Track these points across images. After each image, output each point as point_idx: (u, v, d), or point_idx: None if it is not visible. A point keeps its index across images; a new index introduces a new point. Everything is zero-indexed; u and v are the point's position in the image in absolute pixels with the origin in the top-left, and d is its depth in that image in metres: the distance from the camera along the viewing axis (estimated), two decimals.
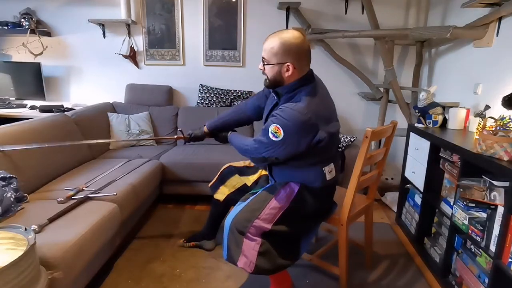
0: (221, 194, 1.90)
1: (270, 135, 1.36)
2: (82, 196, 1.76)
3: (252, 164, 1.89)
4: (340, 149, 2.69)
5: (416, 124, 2.33)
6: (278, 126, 1.34)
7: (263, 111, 1.67)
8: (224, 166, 1.95)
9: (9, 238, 1.15)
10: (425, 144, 2.10)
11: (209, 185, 1.97)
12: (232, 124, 1.80)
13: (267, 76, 1.42)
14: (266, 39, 1.39)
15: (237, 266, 1.41)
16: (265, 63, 1.40)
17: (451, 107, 2.29)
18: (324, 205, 1.59)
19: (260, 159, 1.48)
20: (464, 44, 2.44)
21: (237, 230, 1.42)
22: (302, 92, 1.39)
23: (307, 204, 1.50)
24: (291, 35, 1.35)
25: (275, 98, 1.51)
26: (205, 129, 1.82)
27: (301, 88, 1.40)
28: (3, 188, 1.55)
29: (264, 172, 1.82)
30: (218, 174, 1.95)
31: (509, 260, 1.32)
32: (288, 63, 1.35)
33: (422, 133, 2.16)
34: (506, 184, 1.37)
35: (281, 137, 1.34)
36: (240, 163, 1.93)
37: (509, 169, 1.32)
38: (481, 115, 1.86)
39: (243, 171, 1.88)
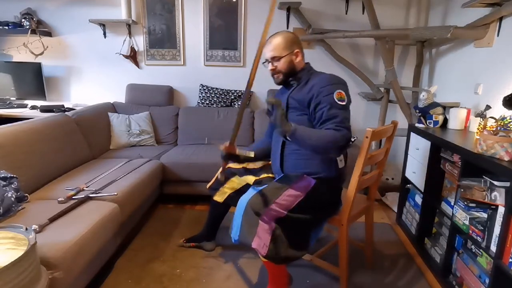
0: (221, 195, 1.85)
1: (339, 103, 1.39)
2: (83, 196, 1.77)
3: (251, 167, 1.83)
4: None
5: (417, 124, 2.32)
6: (338, 90, 1.40)
7: None
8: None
9: (10, 238, 1.15)
10: (426, 144, 2.09)
11: (207, 186, 1.93)
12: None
13: (281, 71, 1.55)
14: (268, 42, 1.54)
15: (251, 247, 1.39)
16: (276, 59, 1.53)
17: (452, 107, 2.29)
18: (335, 197, 1.61)
19: (347, 137, 1.36)
20: (465, 44, 2.43)
21: (253, 211, 1.40)
22: (317, 71, 1.59)
23: (322, 196, 1.52)
24: (285, 32, 1.57)
25: (293, 84, 1.58)
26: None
27: (312, 69, 1.61)
28: (3, 188, 1.55)
29: (265, 175, 1.78)
30: (216, 175, 1.90)
31: (510, 260, 1.32)
32: (297, 50, 1.54)
33: (423, 133, 2.15)
34: (507, 184, 1.37)
35: (346, 98, 1.42)
36: (238, 165, 1.87)
37: (510, 169, 1.32)
38: (481, 115, 1.86)
39: (242, 173, 1.83)
